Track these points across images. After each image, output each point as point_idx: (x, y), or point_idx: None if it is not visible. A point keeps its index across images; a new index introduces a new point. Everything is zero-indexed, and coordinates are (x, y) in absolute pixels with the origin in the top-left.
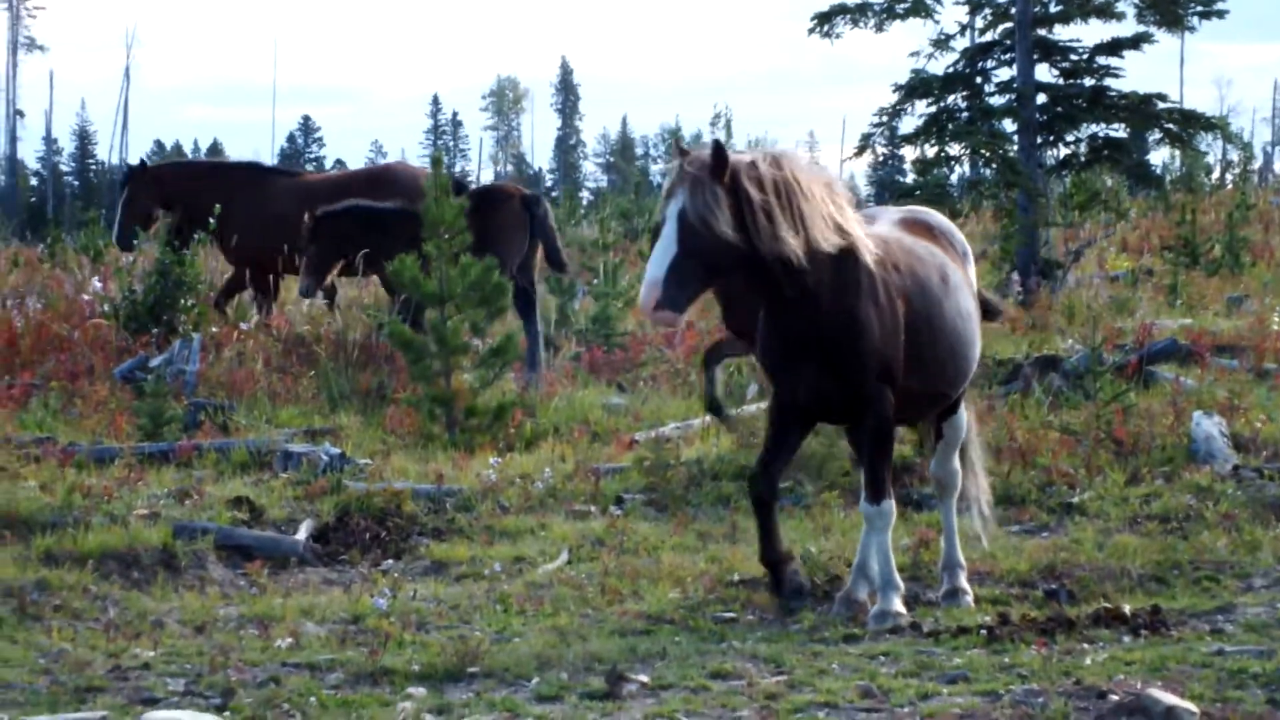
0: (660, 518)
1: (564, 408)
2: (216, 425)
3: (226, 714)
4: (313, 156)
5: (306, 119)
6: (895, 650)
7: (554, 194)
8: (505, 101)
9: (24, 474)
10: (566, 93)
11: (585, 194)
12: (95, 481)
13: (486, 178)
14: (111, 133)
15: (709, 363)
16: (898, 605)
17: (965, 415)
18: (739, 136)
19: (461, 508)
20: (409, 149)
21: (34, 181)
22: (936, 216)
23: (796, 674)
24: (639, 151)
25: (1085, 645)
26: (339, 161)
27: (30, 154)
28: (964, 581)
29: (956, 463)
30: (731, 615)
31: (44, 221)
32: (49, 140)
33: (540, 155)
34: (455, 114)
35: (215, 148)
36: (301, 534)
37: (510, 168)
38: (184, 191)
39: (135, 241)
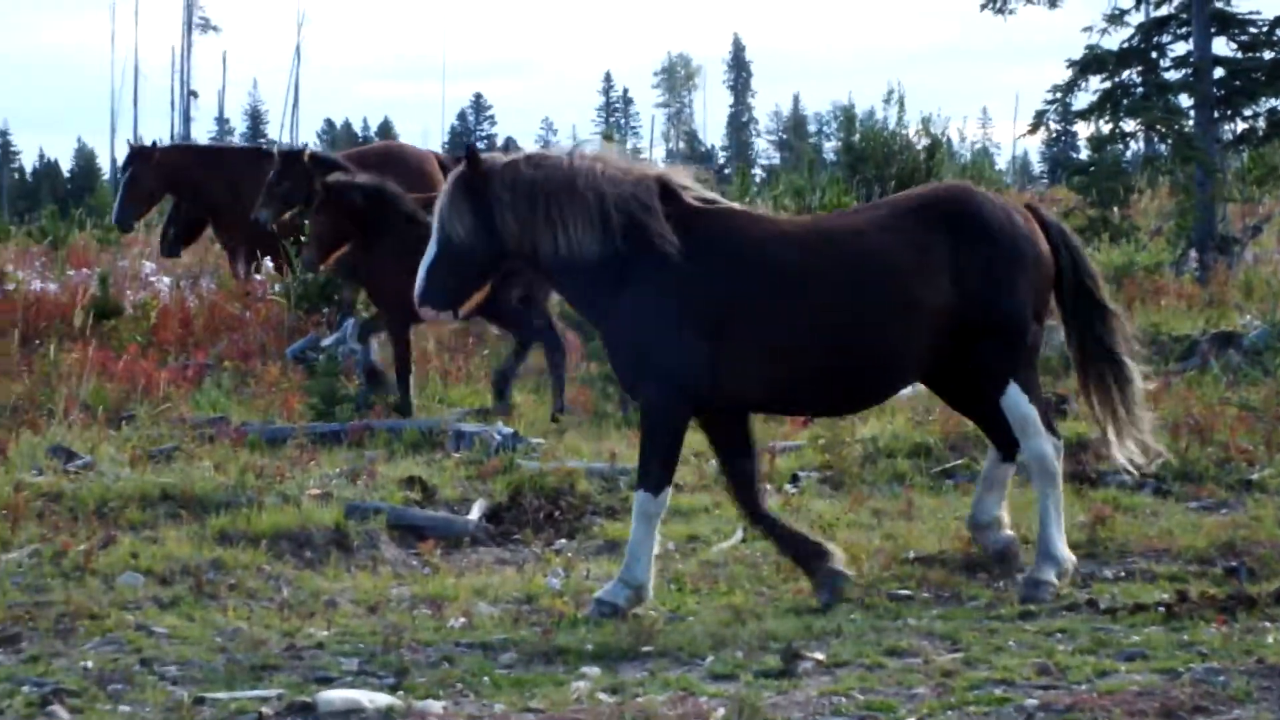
0: (835, 495)
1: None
2: (388, 405)
3: (400, 693)
4: (484, 134)
5: (478, 96)
6: (1072, 627)
7: (726, 171)
8: (677, 78)
9: (198, 454)
10: (738, 69)
11: (758, 171)
12: (268, 462)
13: (658, 155)
14: (283, 112)
15: (364, 335)
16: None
17: (1021, 402)
18: (912, 112)
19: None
20: (581, 126)
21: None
22: (959, 200)
23: (973, 651)
24: (811, 128)
25: (1267, 624)
26: (510, 139)
27: (203, 134)
28: (1051, 574)
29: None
30: (907, 592)
31: None
32: (221, 120)
33: (712, 133)
34: (626, 91)
35: (386, 126)
36: (474, 514)
37: (682, 145)
38: (188, 174)
39: (134, 223)
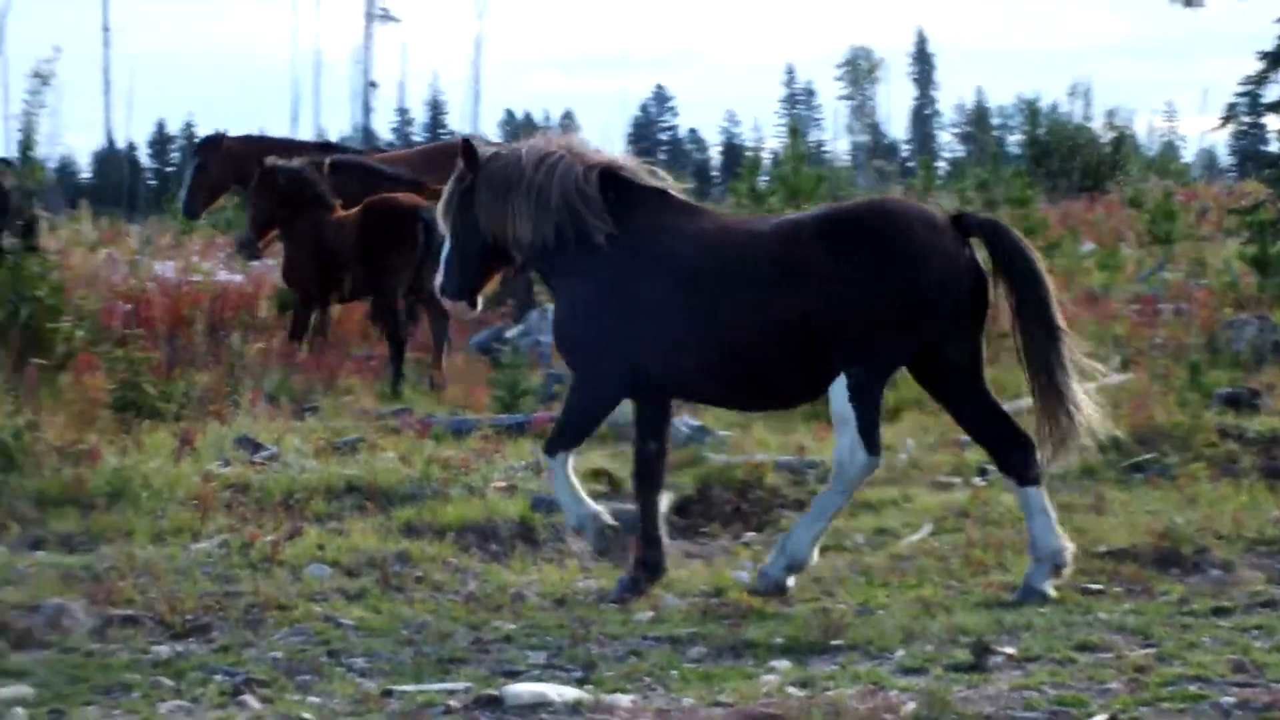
0: None
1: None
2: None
3: (588, 687)
4: (666, 126)
5: (659, 88)
6: (1269, 624)
7: (910, 164)
8: (860, 71)
9: (383, 446)
10: (922, 62)
11: (941, 164)
12: (453, 453)
13: (841, 148)
14: (463, 103)
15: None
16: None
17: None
18: (1097, 106)
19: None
20: (763, 118)
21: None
22: (857, 215)
23: (1165, 646)
24: (995, 121)
25: None
26: (692, 131)
27: (384, 125)
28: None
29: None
30: (1098, 587)
31: None
32: (401, 111)
33: (895, 125)
34: (809, 83)
35: (567, 117)
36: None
37: (865, 138)
38: (253, 165)
39: (202, 212)
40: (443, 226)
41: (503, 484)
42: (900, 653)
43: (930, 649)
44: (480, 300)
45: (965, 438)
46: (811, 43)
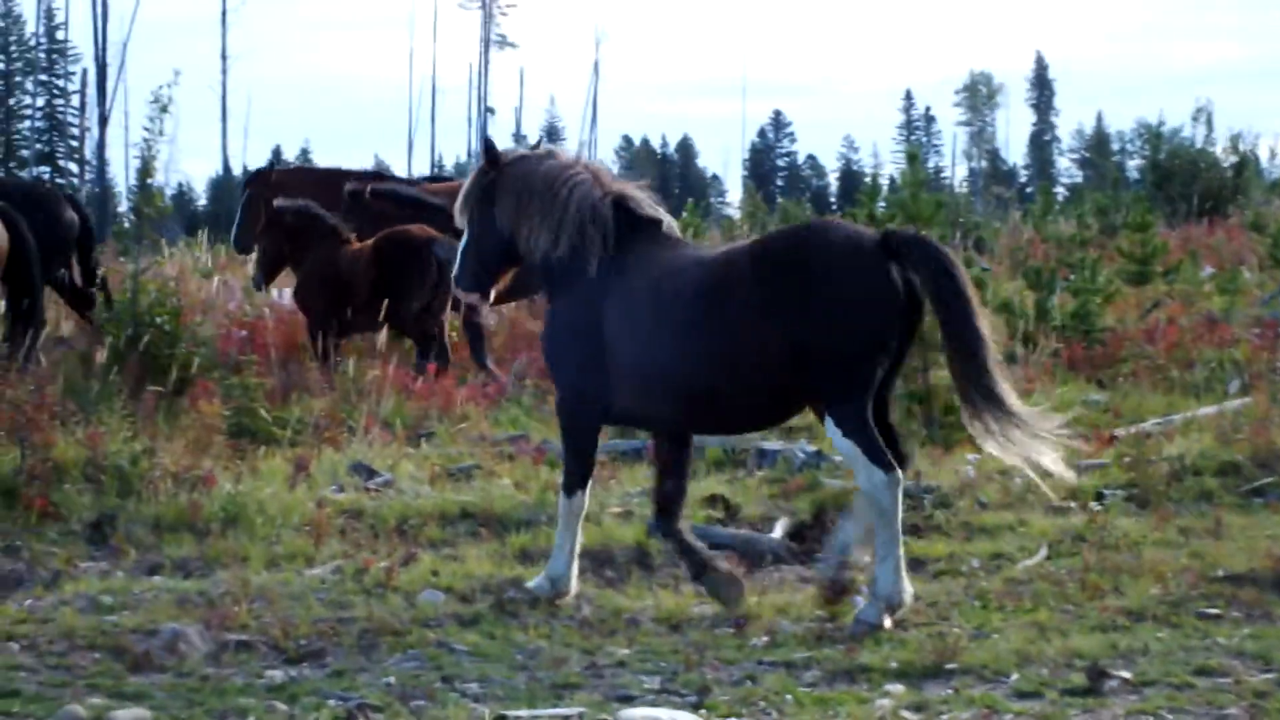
0: (1141, 514)
1: (1042, 404)
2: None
3: (702, 712)
4: (784, 151)
5: (777, 114)
6: None
7: (1029, 190)
8: (979, 97)
9: (499, 471)
10: (1041, 87)
11: (1060, 190)
12: None
13: (960, 174)
14: (580, 128)
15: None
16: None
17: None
18: (1219, 130)
19: (939, 504)
20: (881, 144)
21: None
22: (793, 241)
23: None
24: (1114, 146)
25: None
26: (810, 157)
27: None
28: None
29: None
30: (1216, 611)
31: None
32: (518, 137)
33: (1014, 151)
34: (928, 109)
35: (685, 144)
36: (777, 532)
37: (984, 164)
38: (303, 196)
39: (253, 244)
40: (460, 220)
41: (618, 509)
42: (1015, 677)
43: (1045, 673)
44: (492, 294)
45: (1082, 461)
46: (931, 68)
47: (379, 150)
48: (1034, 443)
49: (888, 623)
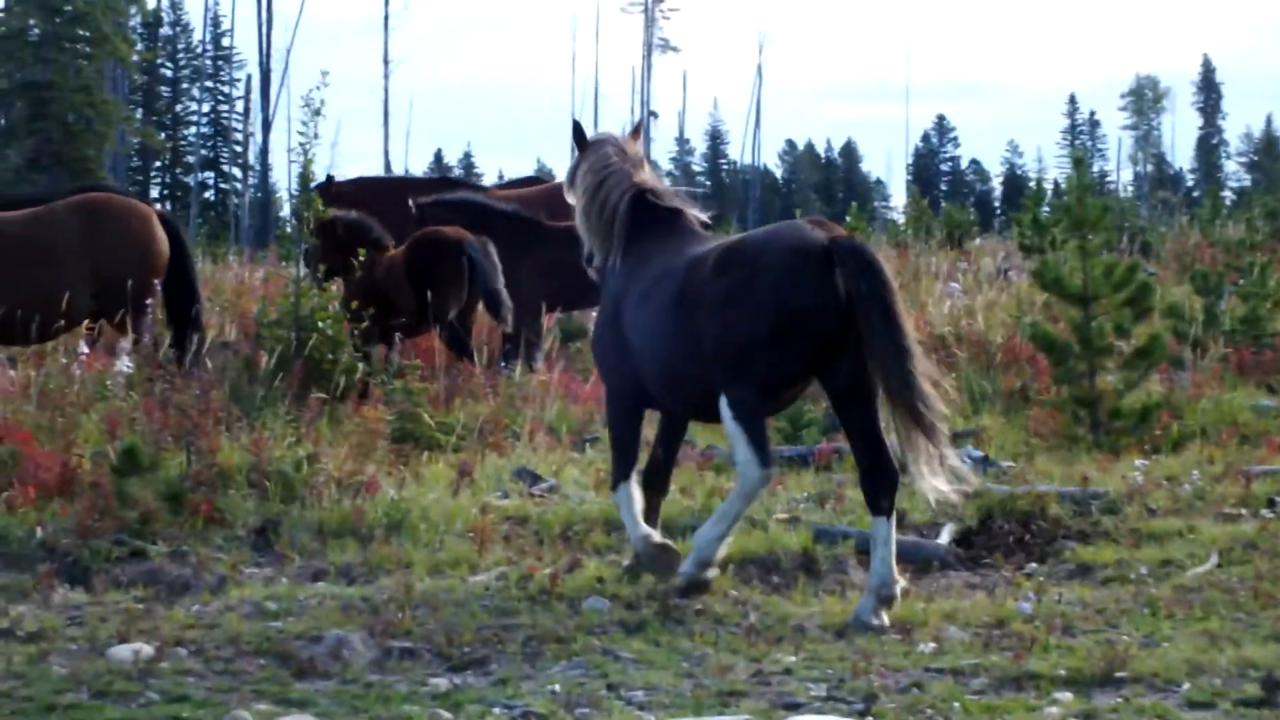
0: None
1: (1211, 409)
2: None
3: (869, 719)
4: (947, 156)
5: (940, 118)
6: None
7: (1194, 194)
8: (1144, 100)
9: None
10: (1208, 90)
11: (1228, 194)
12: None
13: (1125, 179)
14: (743, 132)
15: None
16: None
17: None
18: None
19: (1107, 510)
20: (1045, 148)
21: (666, 182)
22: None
23: None
24: None
25: None
26: (973, 162)
27: (662, 154)
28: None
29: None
30: None
31: None
32: (681, 140)
33: (1180, 155)
34: (1092, 113)
35: (848, 147)
36: (944, 538)
37: (1149, 168)
38: (364, 207)
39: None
40: (570, 198)
41: (784, 516)
42: (1186, 686)
43: (1218, 683)
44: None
45: (1254, 467)
46: (1095, 72)
47: (541, 154)
48: (932, 464)
49: (711, 574)
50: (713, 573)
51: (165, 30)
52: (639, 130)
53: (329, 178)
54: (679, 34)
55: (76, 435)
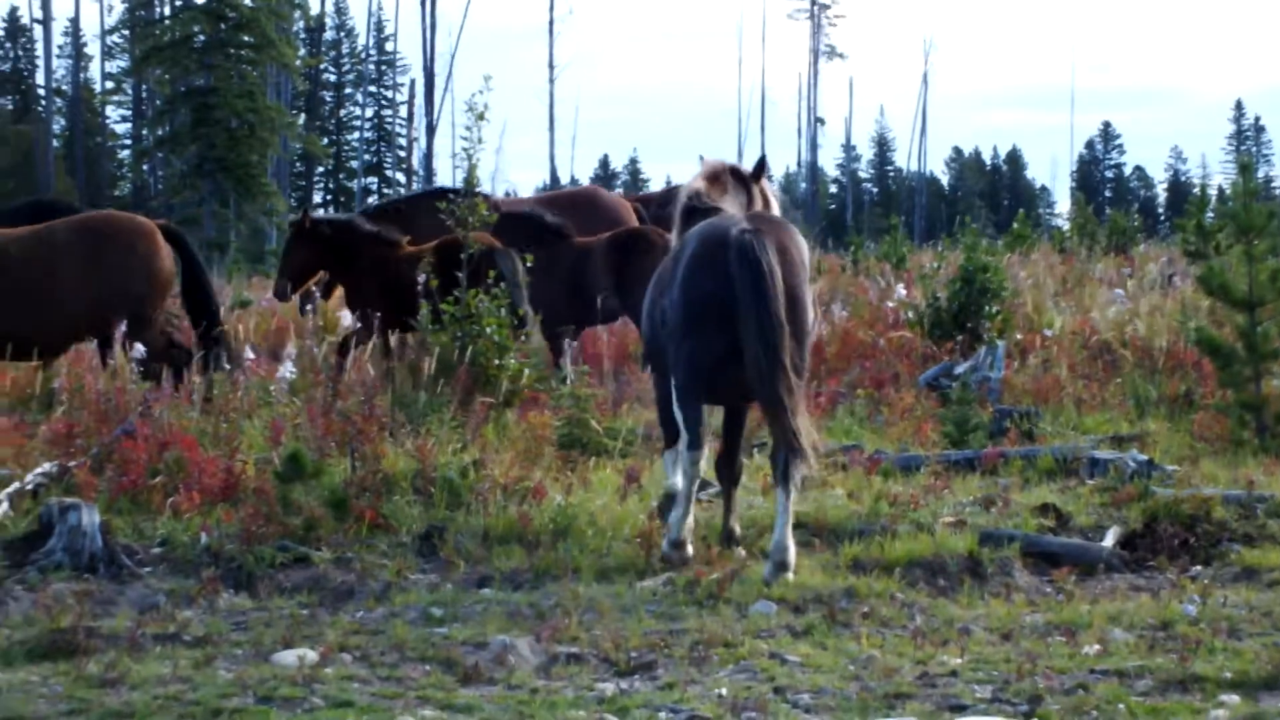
0: None
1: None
2: (1022, 432)
3: None
4: (1112, 163)
5: (1106, 125)
6: None
7: None
8: None
9: (831, 482)
10: None
11: None
12: (901, 489)
13: None
14: (909, 139)
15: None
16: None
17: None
18: None
19: (1273, 514)
20: (1210, 154)
21: (833, 189)
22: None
23: None
24: None
25: None
26: (1137, 168)
27: (829, 161)
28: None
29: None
30: None
31: (844, 228)
32: (848, 147)
33: None
34: (1258, 118)
35: (1014, 154)
36: (1108, 540)
37: None
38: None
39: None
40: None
41: (951, 519)
42: None
43: None
44: None
45: None
46: (1261, 78)
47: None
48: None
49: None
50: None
51: (329, 35)
52: (762, 165)
53: (389, 202)
54: (845, 40)
55: (241, 441)
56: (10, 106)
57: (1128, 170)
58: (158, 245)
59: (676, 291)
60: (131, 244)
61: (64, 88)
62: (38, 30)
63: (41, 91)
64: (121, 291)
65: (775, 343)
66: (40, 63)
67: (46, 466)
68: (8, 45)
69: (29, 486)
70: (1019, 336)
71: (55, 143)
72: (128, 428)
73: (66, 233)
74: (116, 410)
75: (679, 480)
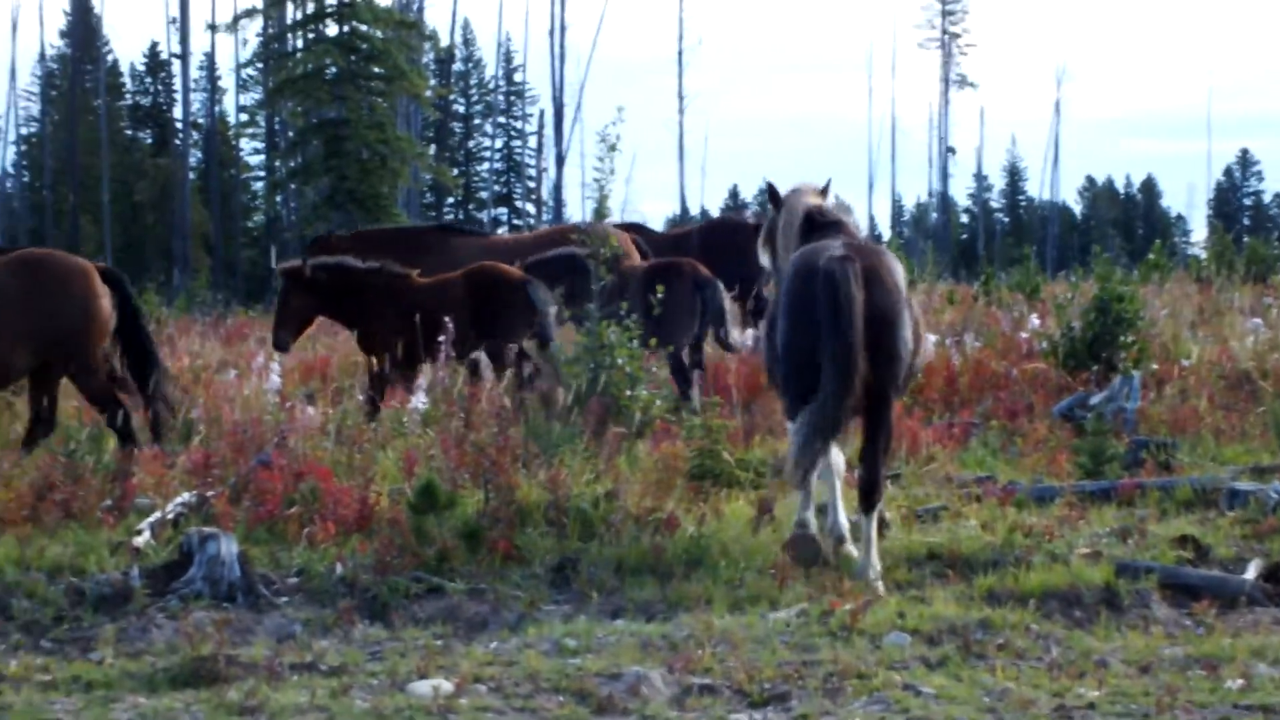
0: None
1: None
2: (1158, 463)
3: None
4: (1250, 191)
5: (1244, 152)
6: None
7: None
8: None
9: (965, 513)
10: None
11: None
12: (1036, 520)
13: None
14: (1042, 169)
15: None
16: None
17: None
18: None
19: None
20: None
21: (964, 219)
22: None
23: None
24: None
25: None
26: (1277, 195)
27: (961, 191)
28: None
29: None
30: None
31: (975, 258)
32: (979, 177)
33: None
34: None
35: (1149, 183)
36: (1250, 573)
37: None
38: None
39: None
40: (762, 257)
41: (1087, 550)
42: None
43: None
44: None
45: None
46: None
47: (839, 191)
48: None
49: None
50: None
51: (458, 66)
52: (826, 189)
53: (327, 233)
54: (976, 70)
55: (375, 472)
56: (150, 140)
57: (1266, 198)
58: (93, 286)
59: (779, 320)
60: (65, 284)
61: (200, 120)
62: (176, 65)
63: (179, 125)
64: (54, 331)
65: (848, 372)
66: (179, 97)
67: (186, 496)
68: (148, 80)
69: (169, 516)
70: (1155, 367)
71: (191, 175)
72: (264, 458)
73: (0, 269)
74: (253, 440)
75: (808, 515)
